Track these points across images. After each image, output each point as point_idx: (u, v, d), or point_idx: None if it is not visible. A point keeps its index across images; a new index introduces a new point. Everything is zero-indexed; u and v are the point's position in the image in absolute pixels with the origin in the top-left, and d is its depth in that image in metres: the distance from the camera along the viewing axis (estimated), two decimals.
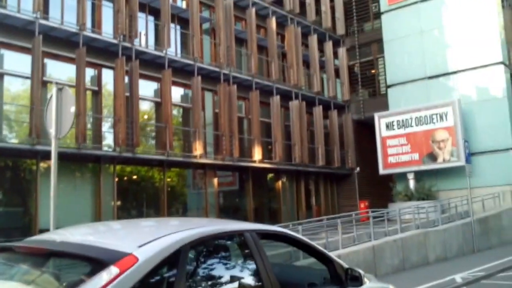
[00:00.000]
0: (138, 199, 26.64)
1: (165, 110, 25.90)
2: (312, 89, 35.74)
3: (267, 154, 31.88)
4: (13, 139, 22.36)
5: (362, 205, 34.29)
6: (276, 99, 31.82)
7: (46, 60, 22.61)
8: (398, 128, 33.77)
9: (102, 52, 24.41)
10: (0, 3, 21.65)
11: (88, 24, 24.40)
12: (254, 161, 30.14)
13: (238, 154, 28.74)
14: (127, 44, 24.79)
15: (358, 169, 36.78)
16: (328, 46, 37.43)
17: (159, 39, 27.37)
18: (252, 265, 4.61)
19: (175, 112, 28.60)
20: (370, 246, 19.68)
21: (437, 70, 34.20)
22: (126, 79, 24.64)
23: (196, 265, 4.33)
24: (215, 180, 29.52)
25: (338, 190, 38.43)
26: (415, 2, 35.56)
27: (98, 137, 24.53)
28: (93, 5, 25.19)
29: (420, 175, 32.94)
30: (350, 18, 40.53)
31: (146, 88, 26.42)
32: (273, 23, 33.04)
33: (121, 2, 24.49)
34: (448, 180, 32.20)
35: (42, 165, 21.73)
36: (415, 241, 21.93)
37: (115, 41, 24.53)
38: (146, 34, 27.53)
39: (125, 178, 26.18)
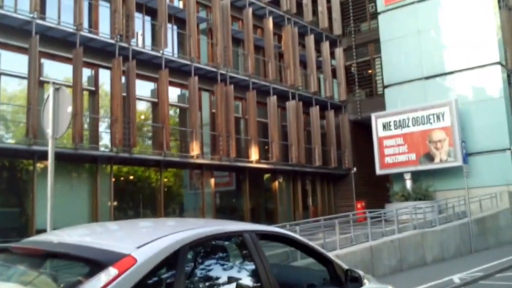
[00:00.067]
0: (135, 199, 26.62)
1: (162, 110, 25.86)
2: (309, 89, 35.72)
3: (264, 154, 31.85)
4: (9, 139, 22.30)
5: (358, 206, 34.28)
6: (273, 99, 31.80)
7: (43, 60, 22.55)
8: (395, 129, 33.75)
9: (99, 52, 24.36)
10: None
11: (85, 24, 24.35)
12: (251, 161, 30.12)
13: (235, 154, 28.72)
14: (124, 44, 24.76)
15: (355, 169, 36.78)
16: (325, 46, 37.43)
17: (156, 39, 27.32)
18: (251, 266, 4.59)
19: (172, 112, 28.57)
20: (368, 246, 19.67)
21: (434, 70, 34.20)
22: (123, 79, 24.61)
23: (195, 266, 4.30)
24: (212, 181, 29.49)
25: (334, 190, 38.42)
26: (412, 3, 35.57)
27: (95, 137, 24.47)
28: (90, 5, 25.14)
29: (417, 176, 32.95)
30: (347, 18, 40.53)
31: (143, 88, 26.37)
32: (270, 23, 33.02)
33: (118, 2, 24.45)
34: (445, 181, 32.20)
35: (39, 165, 21.67)
36: (413, 241, 21.92)
37: (112, 41, 24.49)
38: (143, 34, 27.46)
39: (122, 178, 26.14)
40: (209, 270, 4.41)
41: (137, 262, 3.63)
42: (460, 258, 23.73)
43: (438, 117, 32.15)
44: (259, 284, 4.49)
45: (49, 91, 8.84)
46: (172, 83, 26.94)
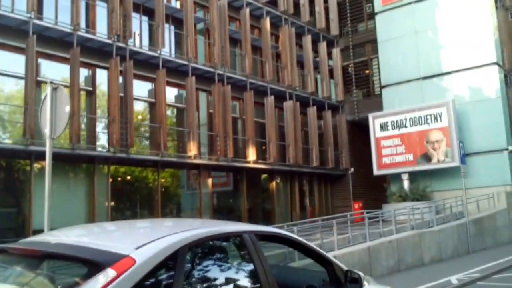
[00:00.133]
0: (132, 199, 26.57)
1: (159, 111, 25.83)
2: (306, 89, 35.71)
3: (261, 154, 31.83)
4: (7, 140, 22.26)
5: (356, 206, 34.29)
6: (270, 100, 31.79)
7: (40, 60, 22.51)
8: (393, 129, 33.74)
9: (96, 52, 24.32)
10: None
11: (82, 24, 24.29)
12: (248, 162, 30.10)
13: (232, 155, 28.70)
14: (121, 44, 24.72)
15: (352, 169, 36.81)
16: (322, 46, 37.41)
17: (153, 39, 27.30)
18: (250, 267, 4.57)
19: (169, 112, 28.53)
20: (366, 247, 19.65)
21: (431, 70, 34.19)
22: (120, 79, 24.57)
23: (194, 267, 4.28)
24: (209, 181, 29.46)
25: (332, 190, 38.40)
26: (409, 3, 35.56)
27: (92, 137, 24.43)
28: (87, 5, 25.09)
29: (414, 176, 32.94)
30: (344, 18, 40.53)
31: (140, 88, 26.34)
32: (267, 23, 33.01)
33: (115, 2, 24.40)
34: (442, 181, 32.20)
35: (36, 165, 21.65)
36: (410, 242, 21.91)
37: (109, 41, 24.45)
38: (140, 34, 27.45)
39: (119, 178, 26.10)
40: (208, 271, 4.38)
41: (136, 263, 3.60)
42: (458, 258, 23.73)
43: (435, 118, 32.14)
44: (258, 285, 4.47)
45: (47, 90, 8.79)
46: (169, 83, 26.91)
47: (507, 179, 30.82)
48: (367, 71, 40.06)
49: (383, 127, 34.12)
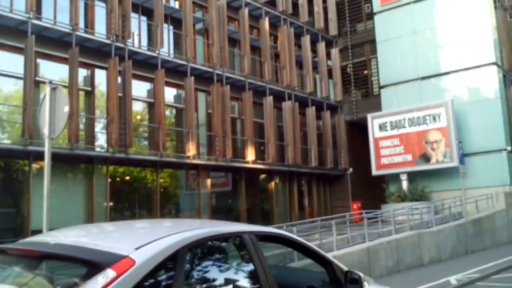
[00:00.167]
0: (131, 200, 26.55)
1: (158, 111, 25.80)
2: (305, 89, 35.70)
3: (260, 155, 31.81)
4: (5, 140, 22.22)
5: (354, 206, 34.29)
6: (269, 100, 31.77)
7: (38, 60, 22.46)
8: (391, 129, 33.74)
9: (95, 52, 24.29)
10: None
11: (81, 24, 24.26)
12: (247, 162, 30.08)
13: (231, 155, 28.67)
14: (120, 44, 24.69)
15: (351, 170, 36.80)
16: (321, 46, 37.41)
17: (152, 40, 27.28)
18: (250, 267, 4.55)
19: (168, 112, 28.51)
20: (365, 247, 19.65)
21: (430, 70, 34.20)
22: (119, 79, 24.53)
23: (194, 267, 4.26)
24: (208, 181, 29.44)
25: (330, 191, 38.39)
26: (408, 3, 35.58)
27: (91, 137, 24.40)
28: (86, 5, 25.04)
29: (413, 176, 32.93)
30: (342, 18, 40.55)
31: (139, 89, 26.31)
32: (266, 23, 32.99)
33: (114, 2, 24.37)
34: (441, 181, 32.21)
35: (35, 166, 21.61)
36: (410, 242, 21.91)
37: (108, 41, 24.42)
38: (139, 34, 27.42)
39: (118, 179, 26.07)
40: (208, 272, 4.36)
41: (135, 263, 3.58)
42: (457, 259, 23.74)
43: (434, 118, 32.14)
44: (258, 285, 4.45)
45: (46, 90, 8.78)
46: (168, 83, 26.88)
47: (505, 179, 30.84)
48: (365, 71, 40.07)
49: (381, 127, 34.11)
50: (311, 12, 37.73)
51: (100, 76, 24.85)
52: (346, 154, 37.23)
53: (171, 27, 29.19)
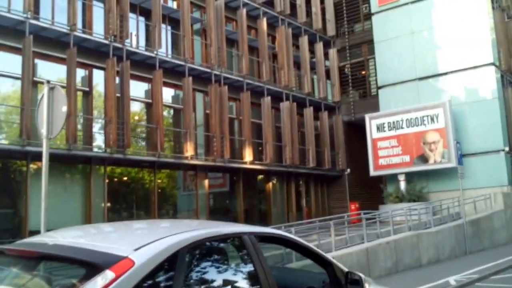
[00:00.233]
0: (129, 200, 26.54)
1: (156, 111, 25.78)
2: (303, 90, 35.69)
3: (258, 155, 31.80)
4: (3, 140, 22.18)
5: (352, 207, 34.24)
6: (267, 100, 31.77)
7: (36, 61, 22.41)
8: (389, 130, 33.73)
9: (93, 53, 24.27)
10: None
11: (79, 24, 24.22)
12: (245, 163, 30.07)
13: (229, 155, 28.67)
14: (118, 45, 24.66)
15: (348, 170, 36.76)
16: (319, 47, 37.42)
17: (150, 40, 27.23)
18: (250, 268, 4.52)
19: (166, 113, 28.49)
20: (364, 248, 19.60)
21: (428, 71, 34.23)
22: (117, 79, 24.52)
23: (193, 268, 4.22)
24: (206, 182, 29.39)
25: (328, 191, 38.39)
26: (406, 3, 35.61)
27: (88, 138, 24.37)
28: (83, 5, 25.02)
29: (411, 177, 32.93)
30: (340, 19, 40.55)
31: (137, 89, 26.28)
32: (264, 24, 32.98)
33: (112, 3, 24.34)
34: (439, 182, 32.22)
35: (32, 166, 21.56)
36: (408, 243, 21.87)
37: (106, 42, 24.39)
38: (137, 35, 27.40)
39: (116, 179, 26.04)
40: (208, 273, 4.32)
41: (134, 264, 3.55)
42: (455, 259, 23.72)
43: (432, 119, 32.14)
44: (258, 286, 4.42)
45: (44, 90, 8.74)
46: (166, 84, 26.86)
47: (503, 179, 30.85)
48: (363, 72, 40.07)
49: (379, 128, 34.10)
50: (309, 13, 37.74)
51: (98, 77, 24.81)
52: (344, 154, 37.25)
53: (169, 28, 29.17)
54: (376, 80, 37.29)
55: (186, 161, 26.99)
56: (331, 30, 39.16)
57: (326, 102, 37.48)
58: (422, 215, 25.97)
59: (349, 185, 37.04)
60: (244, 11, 31.55)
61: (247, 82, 31.02)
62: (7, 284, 3.95)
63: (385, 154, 33.79)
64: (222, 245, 4.69)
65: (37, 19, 22.38)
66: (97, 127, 25.05)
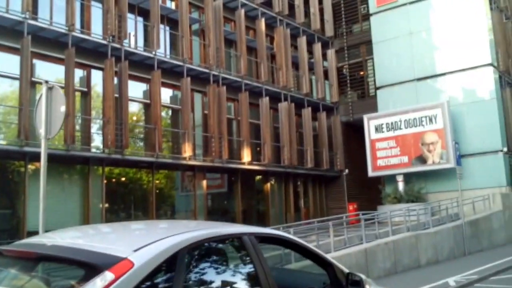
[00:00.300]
0: (127, 201, 26.49)
1: (154, 112, 25.75)
2: (301, 90, 35.69)
3: (256, 156, 31.74)
4: (1, 141, 22.14)
5: (350, 208, 34.29)
6: (265, 101, 31.74)
7: (34, 61, 22.39)
8: (388, 131, 33.74)
9: (91, 53, 24.24)
10: None
11: (77, 24, 24.15)
12: (243, 163, 30.04)
13: (227, 156, 28.65)
14: (116, 45, 24.63)
15: (346, 171, 36.78)
16: (317, 47, 37.40)
17: (149, 40, 27.22)
18: (250, 269, 4.50)
19: (164, 113, 28.48)
20: (362, 249, 19.59)
21: (426, 72, 34.24)
22: (115, 80, 24.48)
23: (193, 269, 4.19)
24: (204, 182, 29.35)
25: (326, 192, 38.35)
26: (404, 4, 35.62)
27: (86, 138, 24.33)
28: (82, 5, 24.98)
29: (409, 178, 32.92)
30: (338, 20, 40.54)
31: (135, 89, 26.26)
32: (262, 24, 32.97)
33: (110, 3, 24.31)
34: (437, 183, 32.22)
35: (30, 166, 21.53)
36: (407, 243, 21.85)
37: (104, 42, 24.35)
38: (136, 35, 27.35)
39: (114, 180, 26.02)
40: (208, 274, 4.29)
41: (134, 265, 3.52)
42: (454, 260, 23.71)
43: (430, 119, 32.14)
44: (258, 287, 4.37)
45: (42, 90, 8.71)
46: (164, 84, 26.83)
47: (502, 180, 30.86)
48: (361, 72, 40.05)
49: (378, 129, 34.10)
50: (307, 13, 37.77)
51: (96, 77, 24.79)
52: (342, 155, 37.22)
53: (167, 28, 29.15)
54: (374, 80, 37.27)
55: (184, 162, 26.96)
56: (329, 31, 39.15)
57: (324, 102, 37.47)
58: (420, 216, 25.95)
59: (347, 185, 37.07)
60: (242, 11, 31.54)
61: (245, 83, 31.00)
62: (6, 285, 3.93)
63: (384, 155, 33.79)
64: (222, 245, 4.66)
65: (35, 19, 22.35)
66: (95, 127, 25.02)
